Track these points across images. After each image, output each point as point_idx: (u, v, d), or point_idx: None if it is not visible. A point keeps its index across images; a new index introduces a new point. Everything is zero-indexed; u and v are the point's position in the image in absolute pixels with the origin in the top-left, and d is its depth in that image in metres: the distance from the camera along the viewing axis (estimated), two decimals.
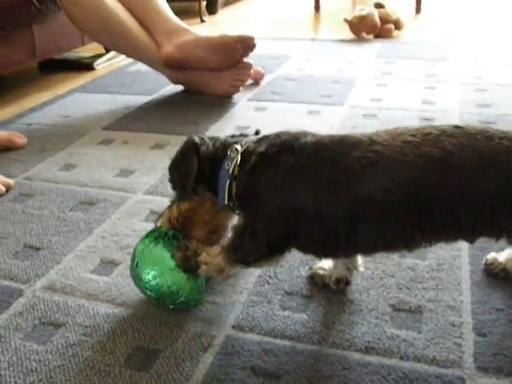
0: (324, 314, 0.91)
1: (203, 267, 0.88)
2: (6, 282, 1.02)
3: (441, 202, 0.77)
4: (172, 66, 1.97)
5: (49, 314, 0.93)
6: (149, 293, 0.91)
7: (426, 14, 3.55)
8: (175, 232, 0.92)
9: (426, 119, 1.73)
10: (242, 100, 1.99)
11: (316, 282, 0.98)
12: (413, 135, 0.79)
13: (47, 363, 0.83)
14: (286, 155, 0.83)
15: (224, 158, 0.89)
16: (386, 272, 1.01)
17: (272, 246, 0.84)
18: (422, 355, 0.83)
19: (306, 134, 0.86)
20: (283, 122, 1.75)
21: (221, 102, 1.96)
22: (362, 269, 0.97)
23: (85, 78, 2.37)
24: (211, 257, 0.87)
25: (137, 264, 0.91)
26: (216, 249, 0.87)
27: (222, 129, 1.72)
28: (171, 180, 0.95)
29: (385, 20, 2.93)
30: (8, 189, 1.37)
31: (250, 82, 2.12)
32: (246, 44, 1.90)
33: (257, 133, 0.95)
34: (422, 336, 0.86)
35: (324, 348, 0.84)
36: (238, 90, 2.01)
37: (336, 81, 2.16)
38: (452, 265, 1.02)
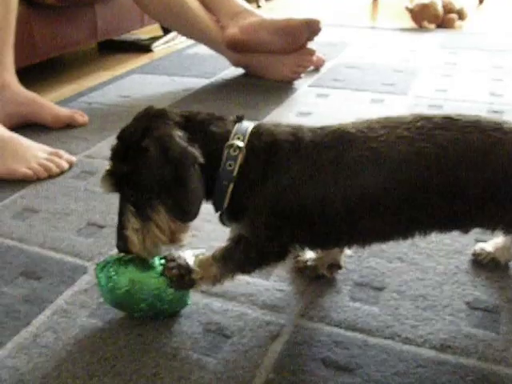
0: (396, 308, 0.88)
1: (199, 283, 0.83)
2: (70, 258, 1.02)
3: (436, 199, 0.78)
4: (235, 48, 1.94)
5: None
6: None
7: (489, 4, 3.44)
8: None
9: (495, 112, 1.66)
10: (303, 86, 1.95)
11: (307, 274, 0.95)
12: (407, 129, 0.79)
13: (113, 342, 0.82)
14: (293, 161, 0.79)
15: (219, 153, 0.80)
16: (460, 268, 0.97)
17: (275, 256, 0.83)
18: (502, 357, 0.78)
19: (302, 129, 0.83)
20: (347, 109, 1.70)
21: (281, 87, 1.92)
22: (349, 252, 0.97)
23: (143, 60, 2.37)
24: (203, 268, 0.82)
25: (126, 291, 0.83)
26: (207, 259, 0.82)
27: (282, 114, 1.68)
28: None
29: (448, 9, 2.84)
30: (71, 165, 1.38)
31: (310, 68, 2.07)
32: (311, 27, 1.85)
33: (239, 118, 0.84)
34: (500, 337, 0.82)
35: (397, 343, 0.81)
36: (299, 77, 1.97)
37: (398, 70, 2.10)
38: None
